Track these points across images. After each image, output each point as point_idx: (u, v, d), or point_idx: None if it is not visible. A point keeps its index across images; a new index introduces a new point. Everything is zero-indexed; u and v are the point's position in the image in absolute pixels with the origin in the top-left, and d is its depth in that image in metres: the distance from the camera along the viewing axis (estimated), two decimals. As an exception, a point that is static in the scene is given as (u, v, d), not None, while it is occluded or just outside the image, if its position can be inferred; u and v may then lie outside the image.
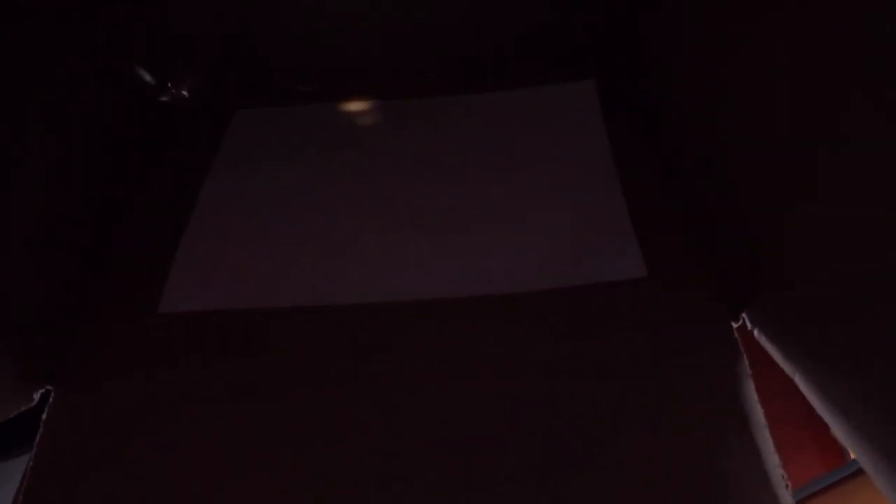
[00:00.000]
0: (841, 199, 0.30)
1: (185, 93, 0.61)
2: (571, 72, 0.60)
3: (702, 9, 0.42)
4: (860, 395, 0.31)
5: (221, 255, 0.46)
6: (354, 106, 0.59)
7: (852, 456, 0.35)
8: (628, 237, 0.44)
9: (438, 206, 0.48)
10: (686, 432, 0.36)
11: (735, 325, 0.39)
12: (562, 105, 0.57)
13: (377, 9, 0.58)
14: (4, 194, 0.39)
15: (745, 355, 0.38)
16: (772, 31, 0.34)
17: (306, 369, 0.39)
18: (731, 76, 0.39)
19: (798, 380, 0.35)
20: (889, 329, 0.29)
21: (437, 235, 0.46)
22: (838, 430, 0.32)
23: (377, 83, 0.61)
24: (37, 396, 0.38)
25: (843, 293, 0.31)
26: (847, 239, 0.31)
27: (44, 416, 0.38)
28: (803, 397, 0.34)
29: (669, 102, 0.50)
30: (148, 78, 0.58)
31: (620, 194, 0.47)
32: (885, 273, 0.28)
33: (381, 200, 0.49)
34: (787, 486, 0.33)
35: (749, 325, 0.38)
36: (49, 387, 0.39)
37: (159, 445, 0.36)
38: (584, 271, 0.43)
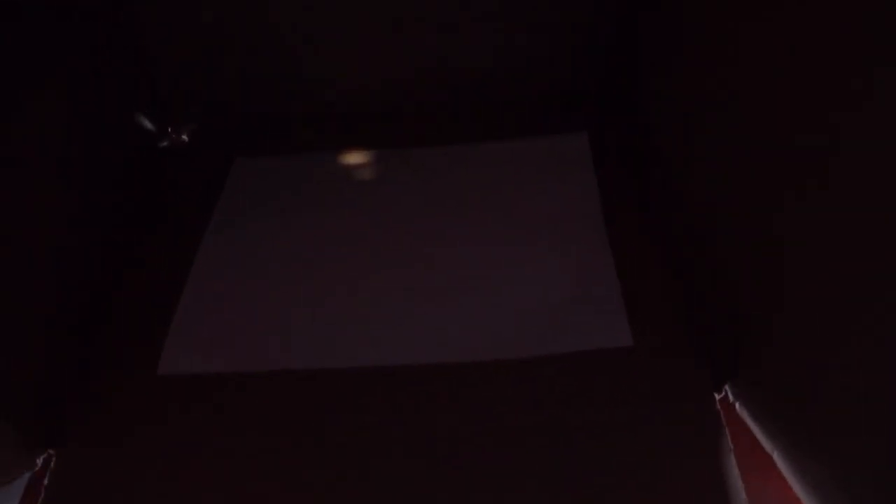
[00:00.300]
0: (825, 279, 0.31)
1: (184, 138, 0.62)
2: (565, 123, 0.61)
3: (698, 66, 0.43)
4: (837, 479, 0.32)
5: (218, 318, 0.47)
6: (350, 156, 0.60)
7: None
8: (617, 305, 0.45)
9: (427, 267, 0.49)
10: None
11: (718, 397, 0.40)
12: (554, 158, 0.58)
13: (374, 57, 0.59)
14: (4, 254, 0.39)
15: (726, 428, 0.39)
16: (760, 101, 0.35)
17: (303, 434, 0.40)
18: (723, 146, 0.40)
19: (776, 457, 0.36)
20: (866, 414, 0.30)
21: (425, 299, 0.47)
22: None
23: (372, 130, 0.62)
24: (39, 462, 0.39)
25: (823, 375, 0.33)
26: (829, 322, 0.32)
27: (45, 481, 0.39)
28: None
29: (661, 167, 0.51)
30: (148, 125, 0.59)
31: (611, 259, 0.48)
32: (863, 358, 0.29)
33: (372, 261, 0.50)
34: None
35: (731, 399, 0.40)
36: (50, 451, 0.40)
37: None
38: (570, 339, 0.44)
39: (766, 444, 0.37)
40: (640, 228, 0.51)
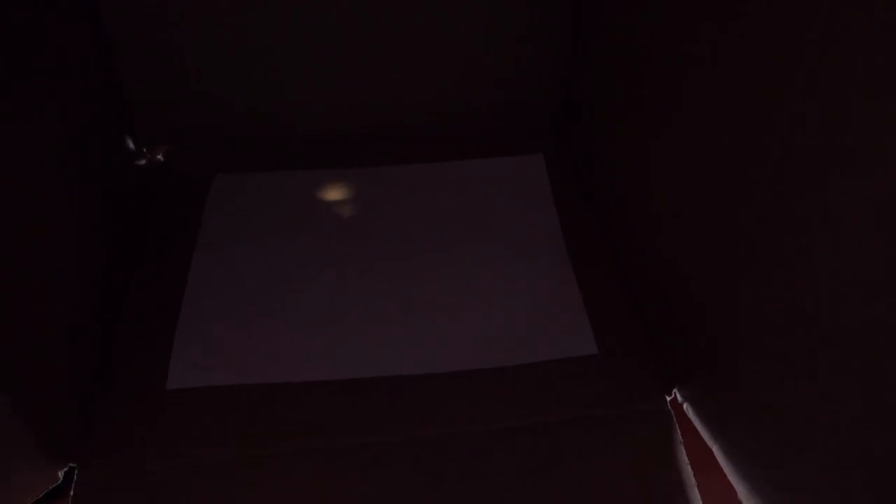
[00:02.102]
0: (773, 292, 0.36)
1: (160, 157, 0.64)
2: (520, 144, 0.67)
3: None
4: (762, 471, 0.40)
5: (219, 332, 0.50)
6: (320, 173, 0.64)
7: None
8: (581, 317, 0.52)
9: (398, 283, 0.54)
10: (623, 496, 0.43)
11: (668, 399, 0.47)
12: (512, 177, 0.64)
13: (344, 84, 0.63)
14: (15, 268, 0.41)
15: (677, 425, 0.46)
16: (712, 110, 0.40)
17: (315, 444, 0.45)
18: (675, 156, 0.46)
19: (716, 451, 0.43)
20: (795, 415, 0.37)
21: (385, 314, 0.52)
22: (745, 500, 0.40)
23: (340, 151, 0.66)
24: (61, 475, 0.42)
25: (758, 382, 0.40)
26: (771, 335, 0.37)
27: (71, 493, 0.41)
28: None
29: (612, 182, 0.58)
30: (130, 144, 0.61)
31: (572, 274, 0.55)
32: (808, 368, 0.34)
33: (347, 276, 0.55)
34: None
35: (679, 400, 0.47)
36: (72, 464, 0.43)
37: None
38: (540, 349, 0.50)
39: (708, 440, 0.44)
40: (595, 243, 0.58)
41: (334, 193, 0.62)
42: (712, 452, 0.44)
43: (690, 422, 0.46)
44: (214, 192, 0.61)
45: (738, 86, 0.37)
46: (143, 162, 0.63)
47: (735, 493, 0.42)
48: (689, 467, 0.44)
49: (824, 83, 0.30)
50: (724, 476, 0.43)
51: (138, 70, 0.59)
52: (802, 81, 0.31)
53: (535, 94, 0.67)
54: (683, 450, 0.45)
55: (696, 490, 0.43)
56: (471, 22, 0.60)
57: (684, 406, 0.47)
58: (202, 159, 0.64)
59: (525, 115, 0.69)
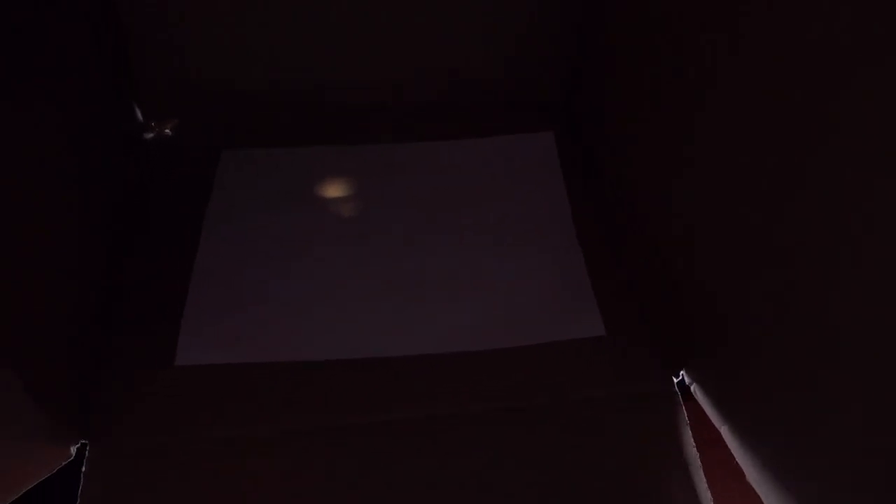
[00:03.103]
0: (778, 276, 0.36)
1: (168, 132, 0.63)
2: (531, 121, 0.66)
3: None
4: (782, 463, 0.40)
5: (227, 310, 0.50)
6: (330, 151, 0.64)
7: None
8: (589, 298, 0.52)
9: (407, 263, 0.54)
10: (630, 474, 0.44)
11: (676, 380, 0.47)
12: (522, 156, 0.64)
13: (351, 59, 0.62)
14: (24, 247, 0.42)
15: (682, 406, 0.46)
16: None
17: (321, 422, 0.45)
18: (678, 143, 0.46)
19: (724, 432, 0.44)
20: (795, 394, 0.37)
21: (409, 293, 0.52)
22: (753, 480, 0.41)
23: (349, 126, 0.65)
24: (73, 451, 0.43)
25: (763, 364, 0.40)
26: (774, 321, 0.37)
27: (83, 469, 0.42)
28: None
29: (623, 167, 0.57)
30: (138, 115, 0.61)
31: (580, 254, 0.55)
32: (819, 352, 0.34)
33: (356, 255, 0.55)
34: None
35: (687, 381, 0.47)
36: (84, 441, 0.43)
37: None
38: (548, 331, 0.50)
39: (715, 420, 0.44)
40: (603, 225, 0.57)
41: (341, 171, 0.62)
42: (720, 434, 0.44)
43: (698, 403, 0.46)
44: (222, 169, 0.61)
45: (747, 78, 0.37)
46: (150, 136, 0.63)
47: (744, 475, 0.42)
48: (695, 449, 0.44)
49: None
50: (733, 458, 0.43)
51: (146, 45, 0.59)
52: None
53: (545, 69, 0.66)
54: (689, 431, 0.45)
55: (702, 471, 0.43)
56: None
57: (692, 388, 0.47)
58: (210, 134, 0.64)
59: (534, 90, 0.68)
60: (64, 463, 0.42)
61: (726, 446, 0.43)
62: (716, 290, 0.43)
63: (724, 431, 0.44)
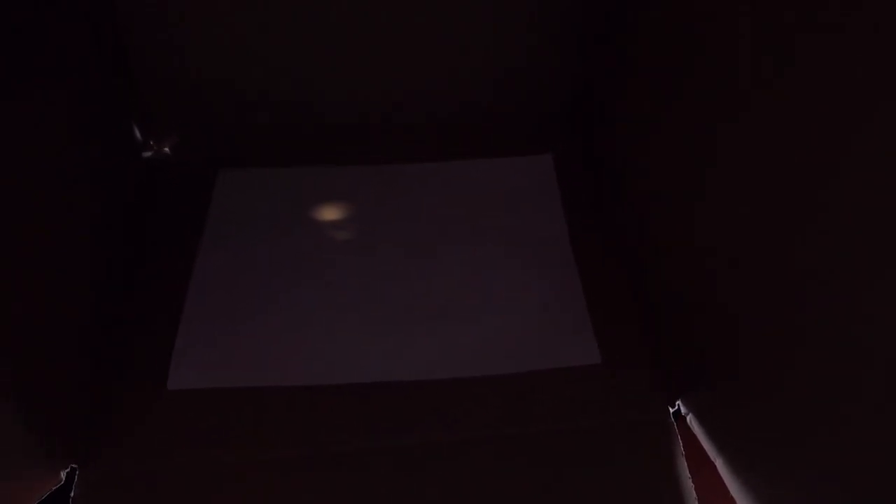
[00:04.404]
0: (774, 306, 0.36)
1: (167, 150, 0.63)
2: (529, 143, 0.66)
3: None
4: (764, 486, 0.39)
5: (221, 333, 0.50)
6: (326, 170, 0.63)
7: None
8: (585, 325, 0.51)
9: (403, 287, 0.54)
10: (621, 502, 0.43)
11: (672, 410, 0.47)
12: (520, 178, 0.63)
13: (350, 77, 0.62)
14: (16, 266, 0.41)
15: (679, 436, 0.46)
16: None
17: (313, 448, 0.45)
18: (680, 167, 0.46)
19: (719, 465, 0.43)
20: (794, 432, 0.37)
21: (387, 318, 0.52)
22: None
23: (346, 146, 0.65)
24: (63, 475, 0.42)
25: (761, 397, 0.39)
26: (770, 351, 0.37)
27: (72, 494, 0.42)
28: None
29: (622, 189, 0.57)
30: (137, 135, 0.61)
31: (577, 280, 0.54)
32: (818, 387, 0.34)
33: (350, 278, 0.54)
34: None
35: (683, 411, 0.47)
36: (73, 465, 0.43)
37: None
38: (543, 358, 0.49)
39: (711, 452, 0.44)
40: (602, 250, 0.57)
41: (337, 192, 0.62)
42: (715, 466, 0.43)
43: (693, 434, 0.46)
44: (219, 189, 0.61)
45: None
46: (149, 154, 0.63)
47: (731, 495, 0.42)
48: (690, 480, 0.44)
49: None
50: (727, 490, 0.42)
51: (146, 63, 0.59)
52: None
53: (546, 87, 0.66)
54: (685, 462, 0.44)
55: (696, 502, 0.43)
56: (477, 14, 0.59)
57: (688, 418, 0.46)
58: (208, 152, 0.64)
59: (534, 108, 0.67)
60: (54, 488, 0.42)
61: (718, 477, 0.43)
62: (719, 323, 0.43)
63: (719, 464, 0.43)
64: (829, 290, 0.32)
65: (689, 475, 0.44)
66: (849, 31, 0.30)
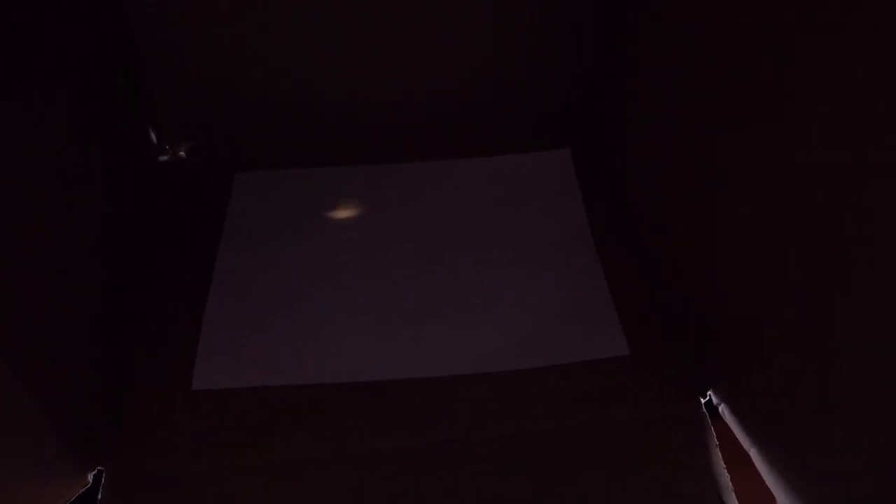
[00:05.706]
0: (804, 296, 0.36)
1: (182, 154, 0.63)
2: (547, 138, 0.66)
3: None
4: (800, 476, 0.39)
5: (243, 333, 0.50)
6: (344, 170, 0.63)
7: None
8: (611, 317, 0.51)
9: (427, 284, 0.53)
10: (660, 497, 0.43)
11: (703, 401, 0.46)
12: (539, 174, 0.63)
13: (365, 76, 0.62)
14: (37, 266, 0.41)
15: (711, 428, 0.45)
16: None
17: (336, 447, 0.44)
18: (699, 161, 0.45)
19: (753, 454, 0.42)
20: (830, 421, 0.36)
21: (431, 315, 0.51)
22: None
23: (363, 145, 0.65)
24: (90, 478, 0.42)
25: (796, 385, 0.39)
26: (803, 339, 0.37)
27: (99, 496, 0.41)
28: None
29: (639, 181, 0.56)
30: (153, 138, 0.61)
31: (601, 272, 0.54)
32: (851, 376, 0.34)
33: (374, 276, 0.54)
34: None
35: (715, 402, 0.46)
36: (100, 467, 0.42)
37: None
38: (570, 351, 0.49)
39: (745, 442, 0.43)
40: (624, 242, 0.56)
41: (355, 191, 0.61)
42: (749, 456, 0.43)
43: (727, 426, 0.45)
44: (237, 191, 0.61)
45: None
46: (165, 158, 0.62)
47: (774, 499, 0.41)
48: (726, 471, 0.43)
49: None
50: (762, 481, 0.42)
51: (160, 67, 0.59)
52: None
53: (546, 87, 0.66)
54: (719, 453, 0.44)
55: (733, 494, 0.42)
56: (478, 14, 0.59)
57: (720, 408, 0.46)
58: (225, 155, 0.64)
59: (553, 101, 0.67)
60: (81, 491, 0.41)
61: (755, 467, 0.42)
62: (747, 310, 0.42)
63: (754, 454, 0.42)
64: (869, 277, 0.32)
65: (724, 466, 0.43)
66: (849, 31, 0.30)
